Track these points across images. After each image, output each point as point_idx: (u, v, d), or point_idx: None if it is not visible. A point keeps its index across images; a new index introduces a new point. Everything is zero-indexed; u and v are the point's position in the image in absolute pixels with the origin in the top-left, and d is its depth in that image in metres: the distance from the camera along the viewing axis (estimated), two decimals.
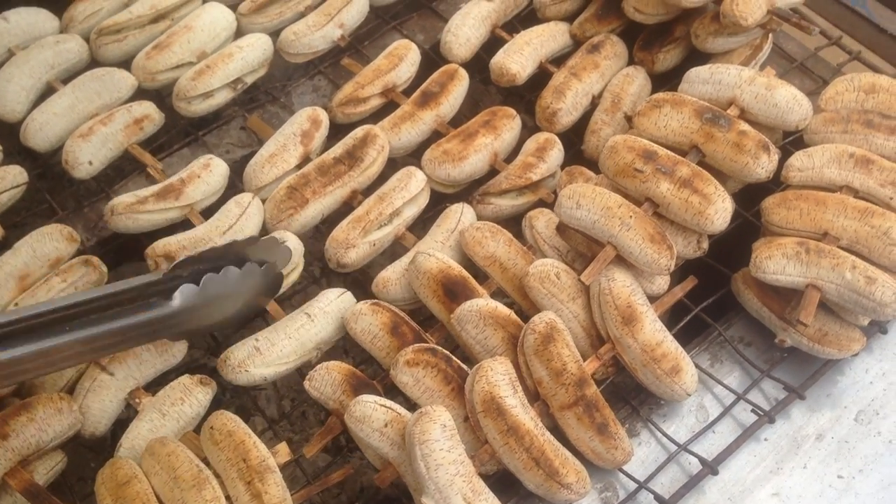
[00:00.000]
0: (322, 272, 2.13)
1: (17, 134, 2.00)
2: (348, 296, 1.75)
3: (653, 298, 1.66)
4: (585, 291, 1.63)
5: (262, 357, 1.65)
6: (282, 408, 2.33)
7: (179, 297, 1.47)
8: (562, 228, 1.70)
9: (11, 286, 1.73)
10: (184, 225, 1.87)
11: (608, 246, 1.60)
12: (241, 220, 1.82)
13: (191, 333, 1.68)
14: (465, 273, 1.70)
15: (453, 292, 1.67)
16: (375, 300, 1.69)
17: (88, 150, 1.93)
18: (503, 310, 1.61)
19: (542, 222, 1.79)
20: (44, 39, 2.12)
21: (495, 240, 1.74)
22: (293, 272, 1.79)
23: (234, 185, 1.95)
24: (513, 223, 1.91)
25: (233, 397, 2.14)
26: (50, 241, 1.78)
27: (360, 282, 1.91)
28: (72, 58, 2.12)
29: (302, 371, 1.69)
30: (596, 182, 1.77)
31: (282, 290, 1.74)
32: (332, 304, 1.73)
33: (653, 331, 1.56)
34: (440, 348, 1.58)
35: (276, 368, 1.66)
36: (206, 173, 1.89)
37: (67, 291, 1.72)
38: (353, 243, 1.79)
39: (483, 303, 1.61)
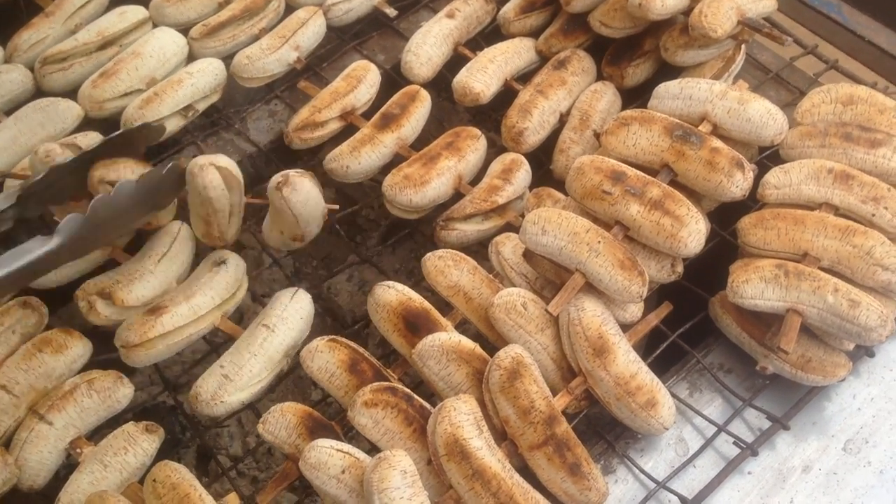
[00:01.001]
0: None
1: None
2: (302, 294, 1.67)
3: (626, 327, 1.57)
4: (555, 321, 1.54)
5: (233, 383, 1.56)
6: (246, 444, 2.23)
7: (63, 233, 1.42)
8: (528, 255, 1.61)
9: None
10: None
11: (576, 273, 1.51)
12: (173, 245, 1.73)
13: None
14: (427, 305, 1.61)
15: (415, 325, 1.57)
16: (332, 336, 1.60)
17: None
18: (467, 344, 1.51)
19: (508, 248, 1.69)
20: None
21: (459, 268, 1.65)
22: (239, 291, 1.71)
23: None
24: (480, 249, 1.83)
25: (193, 436, 2.04)
26: None
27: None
28: (15, 88, 2.03)
29: (258, 410, 1.60)
30: (563, 205, 1.68)
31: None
32: (289, 308, 1.64)
33: (626, 362, 1.47)
34: (400, 387, 1.48)
35: (251, 390, 1.59)
36: None
37: (5, 335, 1.62)
38: None
39: (445, 337, 1.51)
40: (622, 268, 1.48)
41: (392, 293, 1.61)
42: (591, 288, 1.53)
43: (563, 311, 1.51)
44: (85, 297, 1.64)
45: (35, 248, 1.44)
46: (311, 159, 2.10)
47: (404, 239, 2.31)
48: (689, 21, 1.81)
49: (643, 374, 1.48)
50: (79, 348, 1.62)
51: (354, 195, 2.37)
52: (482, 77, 1.98)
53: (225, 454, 1.92)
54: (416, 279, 2.29)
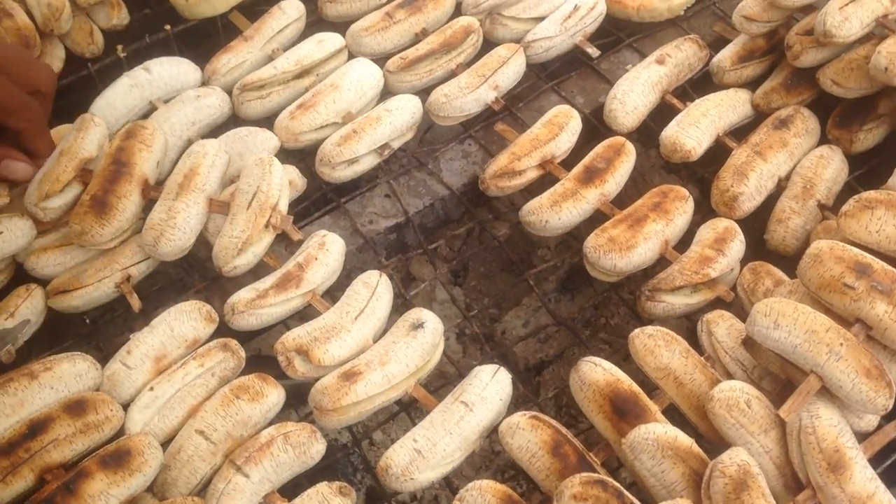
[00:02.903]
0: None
1: None
2: (503, 374, 1.60)
3: (860, 435, 1.43)
4: (779, 423, 1.41)
5: (425, 460, 1.51)
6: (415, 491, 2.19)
7: None
8: (750, 343, 1.49)
9: (147, 367, 1.63)
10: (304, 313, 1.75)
11: (812, 375, 1.38)
12: (371, 301, 1.69)
13: None
14: (635, 388, 1.51)
15: (622, 409, 1.48)
16: (534, 413, 1.52)
17: (218, 222, 1.82)
18: (684, 440, 1.41)
19: (722, 329, 1.58)
20: (185, 94, 2.03)
21: (670, 349, 1.54)
22: (435, 354, 1.66)
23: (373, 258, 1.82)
24: (684, 322, 1.72)
25: (363, 478, 2.02)
26: (188, 320, 1.68)
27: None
28: (213, 113, 2.03)
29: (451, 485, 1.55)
30: (790, 288, 1.55)
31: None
32: (489, 387, 1.57)
33: (863, 480, 1.34)
34: (611, 481, 1.39)
35: (443, 469, 1.53)
36: (324, 254, 1.76)
37: (204, 377, 1.62)
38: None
39: (661, 430, 1.41)
40: (867, 376, 1.34)
41: (599, 372, 1.52)
42: (824, 391, 1.40)
43: (794, 415, 1.38)
44: (284, 352, 1.62)
45: None
46: (502, 205, 2.03)
47: (583, 286, 2.24)
48: None
49: (881, 495, 1.35)
50: (274, 397, 1.60)
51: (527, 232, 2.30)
52: (694, 133, 1.85)
53: (395, 501, 1.89)
54: (593, 330, 2.23)
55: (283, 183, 1.80)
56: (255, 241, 1.74)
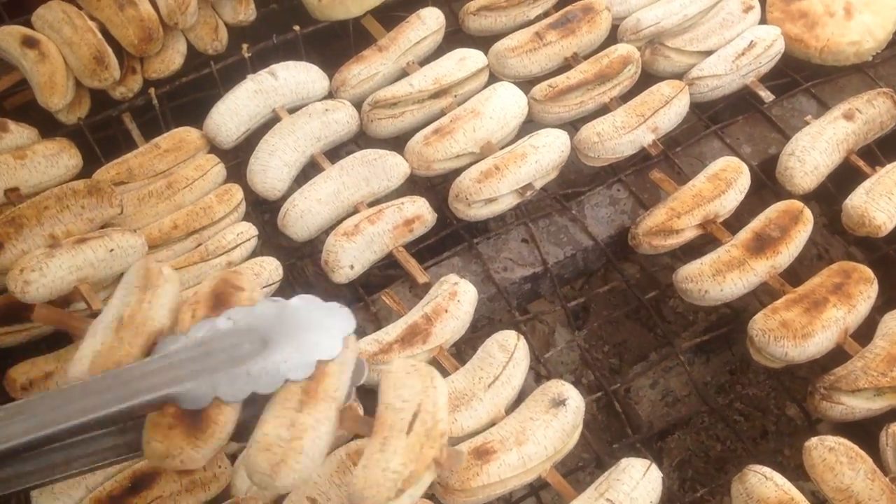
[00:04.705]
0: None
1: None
2: (655, 472, 1.41)
3: None
4: None
5: None
6: None
7: None
8: None
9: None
10: None
11: None
12: (507, 368, 1.52)
13: None
14: None
15: None
16: None
17: (352, 252, 1.67)
18: None
19: None
20: (312, 106, 1.87)
21: (854, 468, 1.34)
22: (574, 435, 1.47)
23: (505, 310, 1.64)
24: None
25: None
26: None
27: None
28: (340, 129, 1.87)
29: None
30: None
31: None
32: (640, 486, 1.39)
33: None
34: None
35: None
36: (455, 305, 1.59)
37: None
38: None
39: None
40: None
41: (770, 488, 1.33)
42: None
43: None
44: None
45: None
46: (647, 261, 1.83)
47: (721, 346, 2.03)
48: None
49: None
50: None
51: (659, 276, 2.09)
52: (885, 205, 1.62)
53: None
54: (729, 398, 2.02)
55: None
56: (417, 479, 1.16)
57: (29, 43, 1.86)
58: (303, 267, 1.91)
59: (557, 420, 1.45)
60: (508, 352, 1.53)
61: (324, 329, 1.16)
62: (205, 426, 1.08)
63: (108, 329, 1.16)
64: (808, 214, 1.65)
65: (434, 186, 1.88)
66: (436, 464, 1.15)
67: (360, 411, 1.42)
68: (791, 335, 1.50)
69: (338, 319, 1.18)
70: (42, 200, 1.62)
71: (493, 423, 1.48)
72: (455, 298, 1.60)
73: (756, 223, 1.65)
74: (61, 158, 1.78)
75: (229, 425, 1.11)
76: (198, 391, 1.08)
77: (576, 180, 1.88)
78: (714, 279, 1.59)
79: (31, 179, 1.73)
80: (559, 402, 1.47)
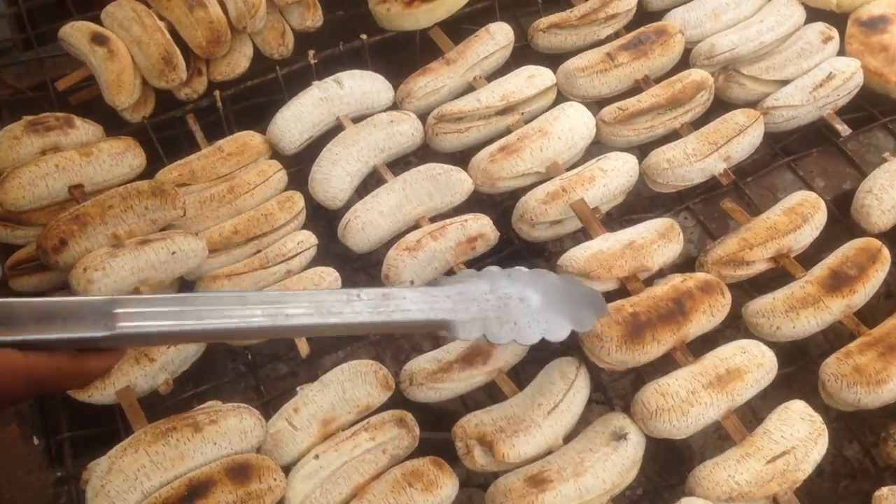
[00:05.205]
0: None
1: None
2: None
3: None
4: None
5: None
6: None
7: None
8: None
9: (314, 430, 1.47)
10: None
11: None
12: (567, 396, 1.48)
13: None
14: None
15: None
16: None
17: (413, 268, 1.64)
18: None
19: None
20: (377, 117, 1.85)
21: None
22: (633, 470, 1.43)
23: None
24: None
25: None
26: (363, 383, 1.50)
27: None
28: (404, 142, 1.85)
29: None
30: None
31: None
32: None
33: None
34: None
35: None
36: None
37: (374, 453, 1.44)
38: None
39: None
40: None
41: None
42: None
43: None
44: (464, 438, 1.43)
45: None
46: None
47: (779, 380, 1.98)
48: None
49: None
50: (448, 488, 1.42)
51: None
52: None
53: None
54: None
55: None
56: (749, 500, 1.37)
57: (98, 40, 1.86)
58: (356, 278, 1.89)
59: (617, 454, 1.42)
60: (569, 380, 1.49)
61: (583, 305, 1.42)
62: None
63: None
64: (885, 254, 1.60)
65: (497, 204, 1.85)
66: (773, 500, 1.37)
67: None
68: (865, 381, 1.45)
69: (594, 302, 1.44)
70: (107, 199, 1.61)
71: (550, 451, 1.45)
72: None
73: (832, 260, 1.60)
74: (126, 157, 1.77)
75: None
76: (472, 326, 1.34)
77: (634, 203, 1.84)
78: (787, 315, 1.54)
79: (96, 177, 1.73)
80: (620, 436, 1.43)
